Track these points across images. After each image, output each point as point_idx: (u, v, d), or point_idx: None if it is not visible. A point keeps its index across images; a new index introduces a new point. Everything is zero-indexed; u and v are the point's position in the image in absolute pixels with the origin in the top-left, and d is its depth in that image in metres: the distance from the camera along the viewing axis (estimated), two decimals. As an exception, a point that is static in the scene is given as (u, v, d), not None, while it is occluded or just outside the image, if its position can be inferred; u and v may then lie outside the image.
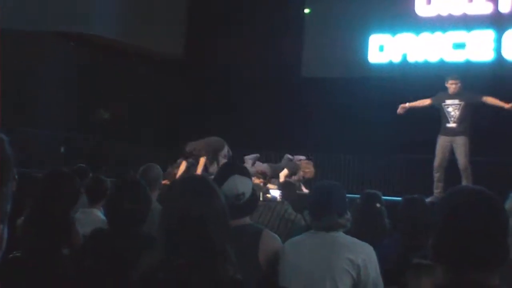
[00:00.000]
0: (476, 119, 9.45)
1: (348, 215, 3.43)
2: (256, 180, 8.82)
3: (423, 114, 10.03)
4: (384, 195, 5.02)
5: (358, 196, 5.02)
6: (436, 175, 9.29)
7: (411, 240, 4.20)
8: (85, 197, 5.13)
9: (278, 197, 6.21)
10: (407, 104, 9.41)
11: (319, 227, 3.34)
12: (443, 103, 9.30)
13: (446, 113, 9.20)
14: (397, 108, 9.87)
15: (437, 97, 9.39)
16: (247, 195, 3.26)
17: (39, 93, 11.84)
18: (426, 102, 9.45)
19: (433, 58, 12.52)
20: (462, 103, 9.15)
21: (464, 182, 8.61)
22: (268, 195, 6.46)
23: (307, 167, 10.07)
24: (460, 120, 9.17)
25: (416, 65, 12.62)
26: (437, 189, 9.17)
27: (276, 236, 3.36)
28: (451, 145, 9.22)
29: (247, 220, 3.32)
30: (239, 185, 3.24)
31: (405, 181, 11.67)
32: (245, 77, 13.38)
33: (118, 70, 13.27)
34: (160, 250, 2.21)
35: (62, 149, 11.99)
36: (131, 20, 13.07)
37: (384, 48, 12.94)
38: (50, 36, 12.10)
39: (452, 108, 9.17)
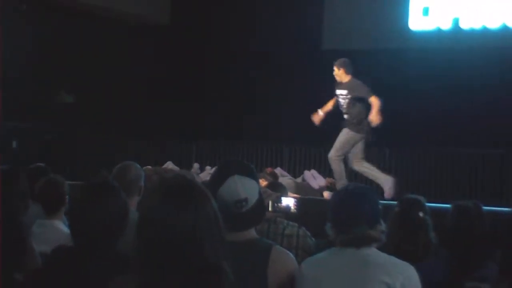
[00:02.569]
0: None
1: (383, 226, 3.11)
2: (263, 183, 8.66)
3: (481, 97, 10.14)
4: (428, 201, 4.64)
5: (396, 202, 4.64)
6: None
7: (463, 259, 4.01)
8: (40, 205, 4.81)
9: (293, 208, 5.51)
10: (320, 112, 9.35)
11: (346, 242, 3.07)
12: (336, 93, 9.23)
13: (339, 104, 9.24)
14: (447, 90, 9.99)
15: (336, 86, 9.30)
16: (252, 201, 2.97)
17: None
18: (331, 101, 9.35)
19: (493, 24, 11.56)
20: (349, 95, 9.10)
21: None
22: (280, 204, 5.49)
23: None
24: (348, 113, 9.11)
25: (471, 33, 11.65)
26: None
27: (290, 254, 3.04)
28: None
29: (251, 233, 3.02)
30: (241, 188, 2.95)
31: (456, 182, 10.98)
32: (249, 49, 12.47)
33: (86, 40, 12.41)
34: (137, 274, 2.13)
35: (14, 144, 11.36)
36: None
37: (430, 11, 11.98)
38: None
39: (341, 98, 9.19)
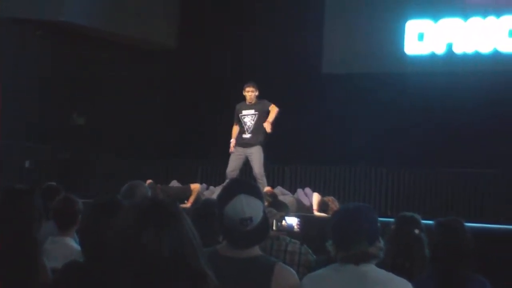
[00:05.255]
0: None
1: (381, 243, 3.13)
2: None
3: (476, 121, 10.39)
4: (424, 219, 4.64)
5: (392, 220, 4.65)
6: None
7: (449, 274, 3.97)
8: (54, 223, 4.89)
9: (296, 227, 5.68)
10: (232, 141, 9.68)
11: (346, 258, 3.08)
12: (241, 114, 9.59)
13: (243, 124, 9.58)
14: (441, 112, 10.24)
15: (236, 110, 9.69)
16: (257, 220, 3.00)
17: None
18: (235, 127, 9.72)
19: (485, 49, 11.77)
20: (257, 113, 9.50)
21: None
22: (284, 224, 5.71)
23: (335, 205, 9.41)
24: (255, 131, 9.54)
25: (464, 58, 11.82)
26: None
27: (292, 270, 3.07)
28: (246, 156, 9.63)
29: (255, 250, 3.05)
30: (246, 207, 2.97)
31: (450, 200, 11.04)
32: (251, 72, 11.83)
33: (98, 65, 12.43)
34: None
35: (27, 164, 11.34)
36: (113, 4, 12.31)
37: (425, 37, 12.15)
38: (8, 24, 11.10)
39: (249, 118, 9.54)
